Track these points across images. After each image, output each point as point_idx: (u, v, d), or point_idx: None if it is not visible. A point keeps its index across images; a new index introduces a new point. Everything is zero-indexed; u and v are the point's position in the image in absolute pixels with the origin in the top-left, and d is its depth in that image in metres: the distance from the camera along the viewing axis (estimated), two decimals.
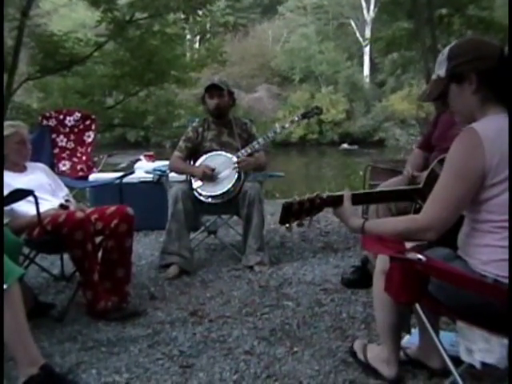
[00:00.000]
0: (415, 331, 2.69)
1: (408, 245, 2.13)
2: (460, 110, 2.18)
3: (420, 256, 1.88)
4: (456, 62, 2.12)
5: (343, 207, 2.37)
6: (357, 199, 2.45)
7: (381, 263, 2.33)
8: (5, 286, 2.43)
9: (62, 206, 3.60)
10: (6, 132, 3.67)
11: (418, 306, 2.12)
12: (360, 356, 2.70)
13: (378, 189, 3.68)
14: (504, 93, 2.07)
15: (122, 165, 8.92)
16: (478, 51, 2.11)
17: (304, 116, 4.69)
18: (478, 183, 2.00)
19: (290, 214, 2.36)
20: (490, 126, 2.02)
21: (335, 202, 2.40)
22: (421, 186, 2.77)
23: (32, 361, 2.53)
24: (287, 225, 2.38)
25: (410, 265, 1.88)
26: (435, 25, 10.51)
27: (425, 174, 3.18)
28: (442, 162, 2.67)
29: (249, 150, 4.49)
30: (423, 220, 2.06)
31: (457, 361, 2.15)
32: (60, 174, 5.26)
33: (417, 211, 2.53)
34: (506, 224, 1.97)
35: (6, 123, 3.78)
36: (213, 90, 4.57)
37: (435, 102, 2.51)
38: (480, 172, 1.98)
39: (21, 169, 3.75)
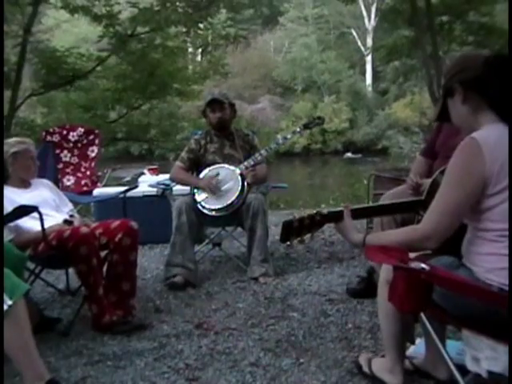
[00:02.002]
0: (421, 341, 2.69)
1: (412, 254, 2.13)
2: (458, 123, 2.24)
3: (423, 265, 1.89)
4: (446, 78, 2.23)
5: (343, 223, 2.39)
6: (358, 214, 2.46)
7: (385, 273, 2.34)
8: (10, 302, 2.44)
9: (66, 222, 3.62)
10: (16, 149, 3.69)
11: (423, 315, 2.12)
12: (365, 369, 2.69)
13: (382, 198, 3.70)
14: (493, 100, 2.10)
15: (127, 178, 8.96)
16: (462, 63, 2.20)
17: (306, 126, 4.71)
18: (478, 191, 2.01)
19: (290, 231, 2.38)
20: (490, 134, 2.04)
21: (336, 217, 2.41)
22: (423, 197, 2.77)
23: (38, 376, 2.54)
24: (288, 242, 2.40)
25: (413, 274, 1.88)
26: (436, 32, 10.54)
27: (428, 181, 3.18)
28: (443, 172, 2.68)
29: (251, 162, 4.50)
30: (423, 229, 2.08)
31: (464, 370, 2.14)
32: (64, 189, 5.29)
33: (419, 222, 2.54)
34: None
35: (16, 140, 3.81)
36: (214, 103, 4.59)
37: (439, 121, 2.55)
38: (480, 180, 2.00)
39: (25, 185, 3.77)
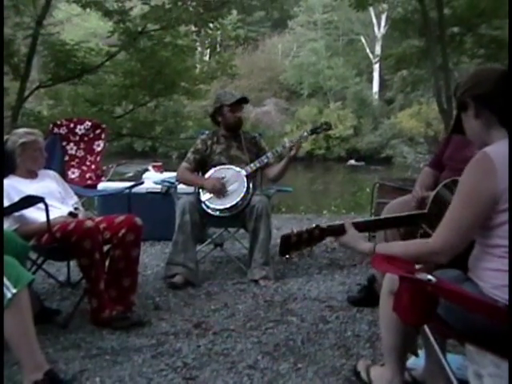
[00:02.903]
0: (421, 353, 2.68)
1: (417, 265, 2.13)
2: (471, 137, 2.24)
3: (430, 277, 1.88)
4: (459, 93, 2.22)
5: (348, 234, 2.38)
6: (359, 227, 2.45)
7: (389, 283, 2.33)
8: (14, 291, 2.46)
9: (70, 214, 3.63)
10: (25, 139, 3.70)
11: (426, 327, 2.12)
12: (364, 376, 2.69)
13: (385, 208, 3.70)
14: (503, 115, 2.10)
15: (129, 174, 8.96)
16: (475, 78, 2.20)
17: (313, 131, 4.69)
18: (490, 207, 2.01)
19: (288, 245, 2.38)
20: (501, 149, 2.03)
21: (336, 231, 2.41)
22: (426, 210, 2.76)
23: (37, 366, 2.55)
24: (287, 256, 2.41)
25: (419, 285, 1.87)
26: (446, 43, 10.53)
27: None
28: (446, 185, 2.67)
29: (258, 164, 4.52)
30: (434, 244, 2.07)
31: None
32: (69, 181, 5.28)
33: (422, 236, 2.54)
34: None
35: (25, 130, 3.82)
36: (236, 104, 4.60)
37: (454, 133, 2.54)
38: (491, 196, 1.99)
39: (32, 175, 3.78)
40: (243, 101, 4.67)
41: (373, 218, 3.19)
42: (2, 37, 8.10)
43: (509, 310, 1.88)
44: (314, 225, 2.42)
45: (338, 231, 2.41)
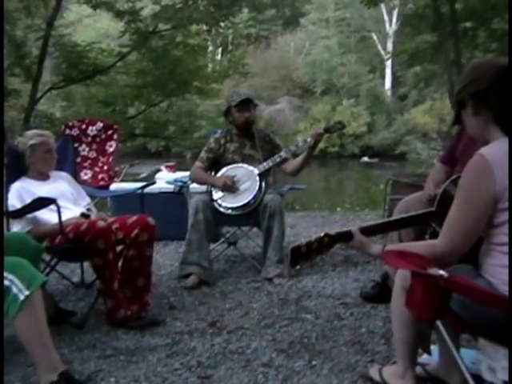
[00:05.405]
0: (435, 347, 2.67)
1: None
2: (472, 133, 2.24)
3: (442, 272, 1.87)
4: (458, 89, 2.21)
5: (356, 240, 2.40)
6: (367, 232, 2.45)
7: (401, 279, 2.32)
8: (27, 293, 2.48)
9: (83, 215, 3.64)
10: (33, 141, 3.73)
11: (439, 322, 2.10)
12: (377, 378, 2.67)
13: (397, 206, 3.67)
14: (499, 113, 2.08)
15: (143, 175, 8.98)
16: (472, 74, 2.17)
17: (327, 130, 4.66)
18: (490, 208, 2.01)
19: (298, 256, 2.38)
20: (498, 149, 2.03)
21: (345, 237, 2.42)
22: (434, 208, 2.74)
23: (52, 367, 2.56)
24: (298, 267, 2.42)
25: (432, 280, 1.86)
26: (459, 38, 10.45)
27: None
28: (454, 181, 2.65)
29: (270, 163, 4.51)
30: (441, 247, 2.08)
31: (478, 379, 2.12)
32: (81, 183, 5.29)
33: (432, 235, 2.52)
34: None
35: (34, 132, 3.85)
36: (242, 104, 4.58)
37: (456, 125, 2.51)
38: (491, 197, 2.00)
39: (44, 177, 3.80)
40: (247, 101, 4.63)
41: (380, 220, 3.13)
42: (2, 37, 8.12)
43: (509, 305, 1.86)
44: (322, 233, 2.42)
45: (346, 237, 2.42)
